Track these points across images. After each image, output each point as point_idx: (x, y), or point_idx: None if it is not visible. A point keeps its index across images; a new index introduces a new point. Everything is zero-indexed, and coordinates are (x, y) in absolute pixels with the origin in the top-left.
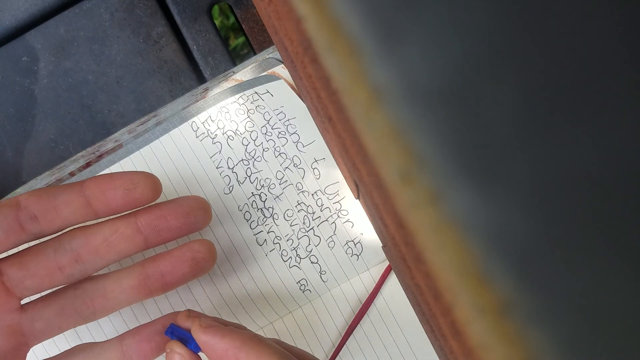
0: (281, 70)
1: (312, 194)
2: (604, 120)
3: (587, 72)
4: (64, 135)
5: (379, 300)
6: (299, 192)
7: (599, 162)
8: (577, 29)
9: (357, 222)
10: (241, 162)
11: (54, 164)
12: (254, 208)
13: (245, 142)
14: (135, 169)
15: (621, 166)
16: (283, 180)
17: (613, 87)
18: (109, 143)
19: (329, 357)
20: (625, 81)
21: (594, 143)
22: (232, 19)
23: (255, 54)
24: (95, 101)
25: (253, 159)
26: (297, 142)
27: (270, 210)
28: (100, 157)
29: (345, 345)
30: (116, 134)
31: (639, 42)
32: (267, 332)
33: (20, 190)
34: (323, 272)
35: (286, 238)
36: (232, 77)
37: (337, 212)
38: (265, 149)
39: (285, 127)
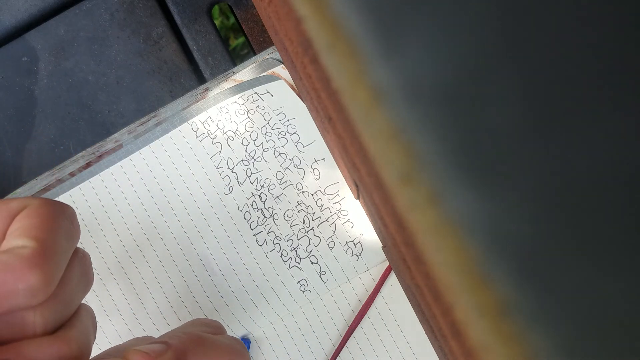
0: (281, 70)
1: (312, 194)
2: (604, 122)
3: (587, 74)
4: (64, 135)
5: (379, 301)
6: (299, 192)
7: (598, 163)
8: (577, 30)
9: (357, 222)
10: (241, 162)
11: (54, 164)
12: (254, 208)
13: (245, 143)
14: (135, 169)
15: (620, 168)
16: (283, 181)
17: (613, 89)
18: (109, 143)
19: (330, 358)
20: (625, 83)
21: (593, 144)
22: (232, 19)
23: (255, 54)
24: (95, 101)
25: (253, 159)
26: (297, 142)
27: (270, 210)
28: (100, 157)
29: (345, 346)
30: (116, 134)
31: (639, 43)
32: (267, 333)
33: (20, 191)
34: (323, 273)
35: (286, 238)
36: (232, 77)
37: (337, 212)
38: (265, 149)
39: (285, 127)
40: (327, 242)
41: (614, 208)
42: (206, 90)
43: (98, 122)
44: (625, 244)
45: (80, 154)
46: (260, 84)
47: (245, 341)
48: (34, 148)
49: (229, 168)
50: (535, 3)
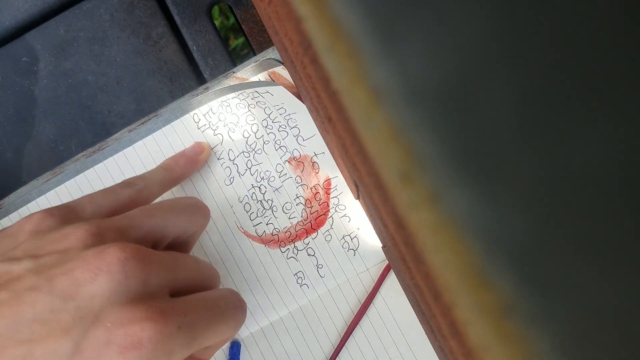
0: (281, 70)
1: (311, 188)
2: (601, 121)
3: (584, 73)
4: (64, 136)
5: (378, 301)
6: (297, 185)
7: (597, 162)
8: (574, 30)
9: (354, 217)
10: (242, 154)
11: (54, 164)
12: (253, 200)
13: (246, 135)
14: (137, 158)
15: (620, 167)
16: (283, 174)
17: (609, 88)
18: (109, 143)
19: (329, 358)
20: (623, 82)
21: (591, 144)
22: (232, 20)
23: (255, 54)
24: (95, 102)
25: (254, 152)
26: (298, 135)
27: (270, 202)
28: (102, 149)
29: (344, 346)
30: (117, 134)
31: (638, 41)
32: (267, 333)
33: (20, 191)
34: (320, 266)
35: (284, 230)
36: (233, 77)
37: (334, 206)
38: (266, 142)
39: (286, 120)
40: (324, 235)
41: (613, 207)
42: (206, 89)
43: (98, 122)
44: (624, 244)
45: (80, 154)
46: (261, 86)
47: (235, 345)
48: (34, 148)
49: (229, 159)
50: (531, 6)
